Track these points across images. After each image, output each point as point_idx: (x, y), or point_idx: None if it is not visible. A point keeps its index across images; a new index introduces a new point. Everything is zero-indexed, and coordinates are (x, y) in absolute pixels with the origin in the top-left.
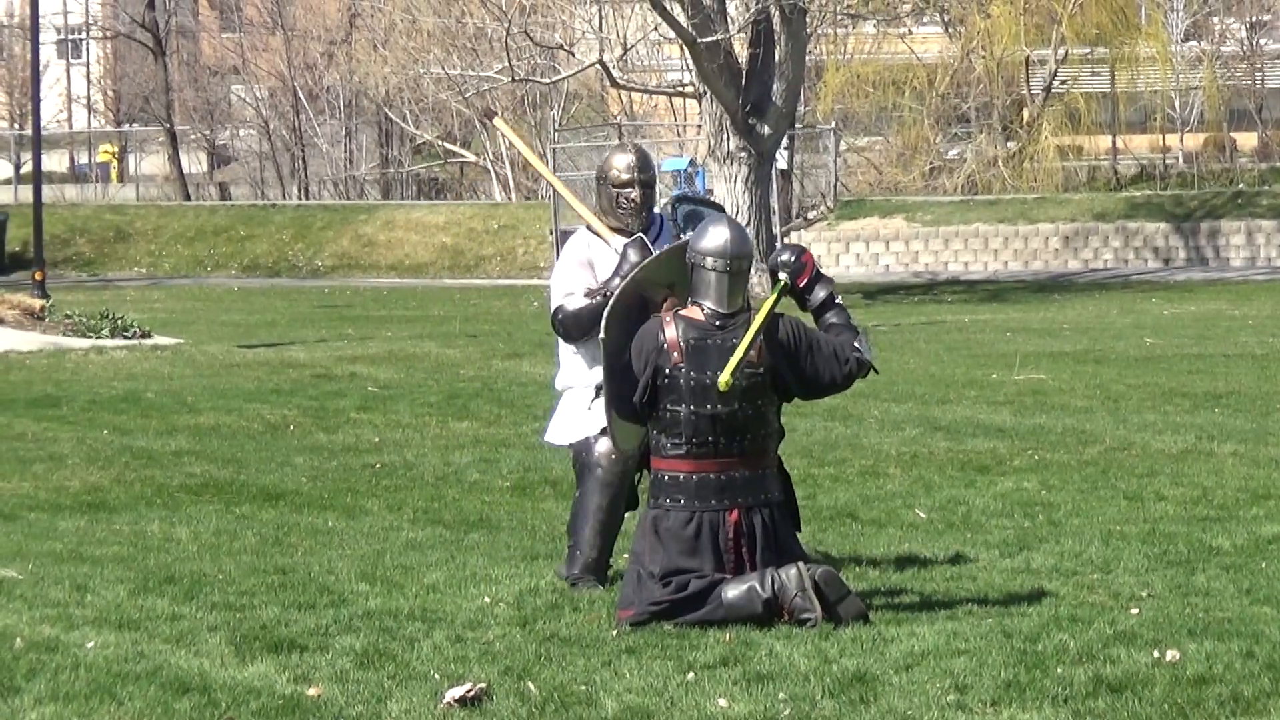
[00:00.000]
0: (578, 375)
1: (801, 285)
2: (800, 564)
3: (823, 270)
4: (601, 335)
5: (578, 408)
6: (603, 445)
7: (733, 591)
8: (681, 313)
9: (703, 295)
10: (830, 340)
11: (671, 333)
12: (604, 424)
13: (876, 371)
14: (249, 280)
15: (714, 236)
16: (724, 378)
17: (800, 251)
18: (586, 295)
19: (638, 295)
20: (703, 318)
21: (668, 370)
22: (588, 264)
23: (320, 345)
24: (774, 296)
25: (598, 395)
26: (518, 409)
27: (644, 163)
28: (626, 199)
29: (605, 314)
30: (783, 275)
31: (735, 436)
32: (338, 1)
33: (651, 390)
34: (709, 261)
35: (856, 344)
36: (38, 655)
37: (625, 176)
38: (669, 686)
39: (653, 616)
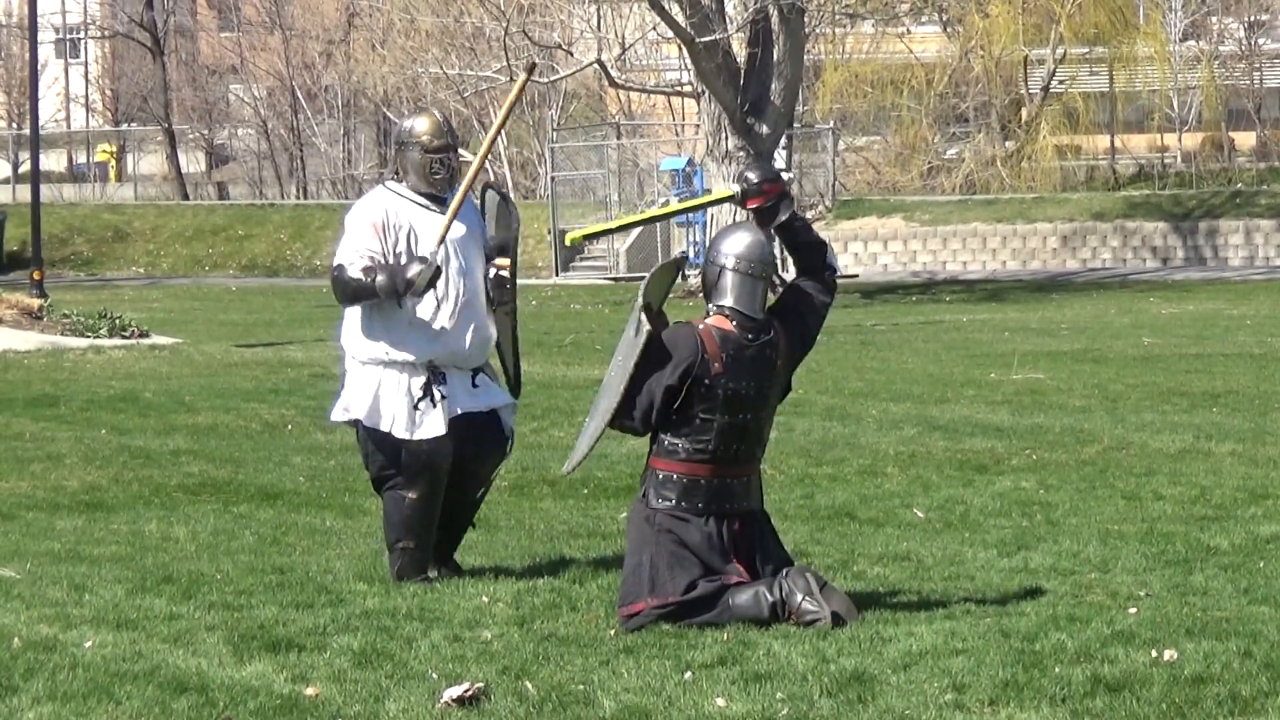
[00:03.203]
0: (386, 346)
1: (752, 207)
2: (810, 570)
3: (789, 192)
4: (635, 355)
5: (403, 397)
6: (444, 448)
7: (740, 597)
8: (710, 323)
9: (726, 298)
10: (802, 288)
11: (711, 342)
12: (442, 432)
13: (841, 277)
14: (247, 280)
15: (738, 240)
16: (574, 235)
17: (768, 179)
18: (364, 270)
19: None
20: (734, 328)
21: (707, 380)
22: (381, 227)
23: (318, 345)
24: (709, 198)
25: (425, 394)
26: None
27: (449, 127)
28: (441, 163)
29: (645, 340)
30: (734, 187)
31: (754, 443)
32: (336, 1)
33: (685, 397)
34: (731, 262)
35: (828, 259)
36: (35, 655)
37: (438, 141)
38: (667, 686)
39: (658, 619)
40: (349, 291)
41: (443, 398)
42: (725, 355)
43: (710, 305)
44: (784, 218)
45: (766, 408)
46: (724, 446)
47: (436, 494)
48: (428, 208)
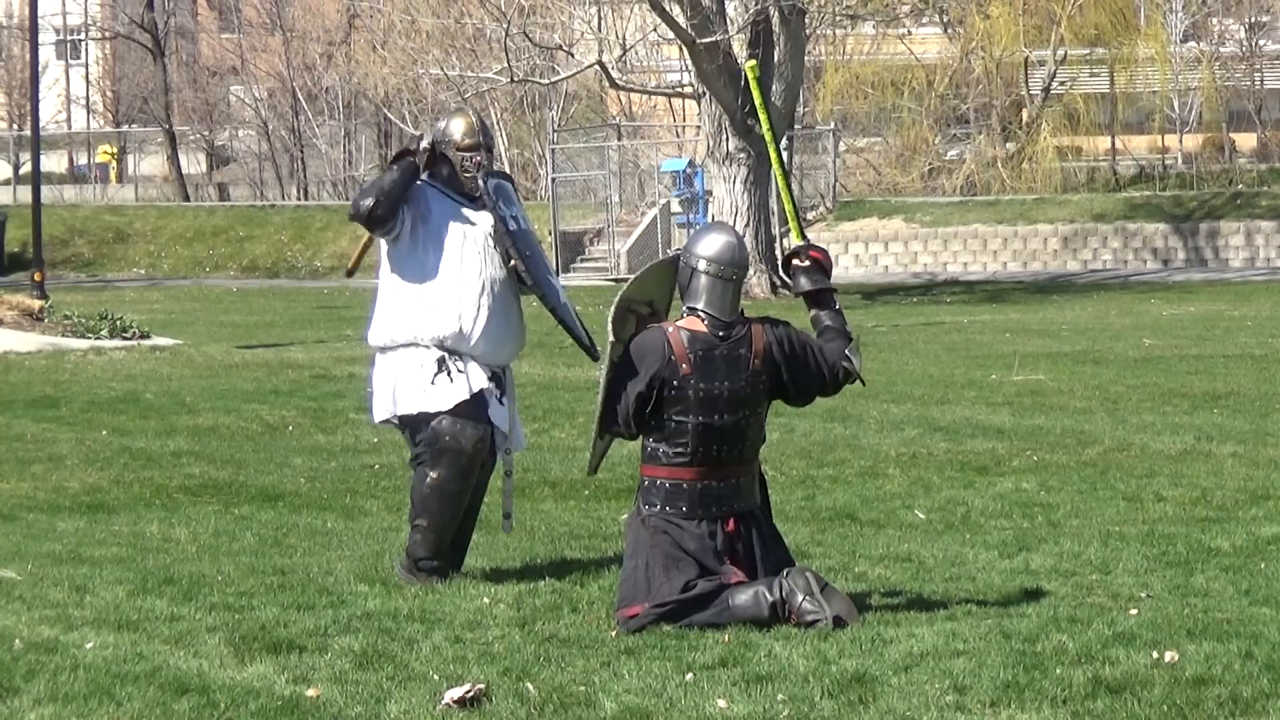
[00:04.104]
0: (402, 328)
1: (814, 256)
2: (810, 570)
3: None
4: (606, 365)
5: (417, 374)
6: (469, 430)
7: (740, 597)
8: (681, 324)
9: (698, 301)
10: (822, 345)
11: (678, 344)
12: (458, 401)
13: (863, 383)
14: (248, 281)
15: (710, 243)
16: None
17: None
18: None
19: (624, 313)
20: (705, 328)
21: (675, 382)
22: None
23: (319, 346)
24: (795, 218)
25: (440, 369)
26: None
27: (484, 126)
28: (472, 163)
29: (610, 341)
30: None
31: (737, 444)
32: (337, 2)
33: (655, 400)
34: (702, 265)
35: (847, 352)
36: (37, 656)
37: (470, 140)
38: (668, 687)
39: (658, 619)
40: (374, 183)
41: (460, 371)
42: (693, 356)
43: (684, 306)
44: (825, 283)
45: (746, 408)
46: (703, 449)
47: (459, 480)
48: (455, 200)
